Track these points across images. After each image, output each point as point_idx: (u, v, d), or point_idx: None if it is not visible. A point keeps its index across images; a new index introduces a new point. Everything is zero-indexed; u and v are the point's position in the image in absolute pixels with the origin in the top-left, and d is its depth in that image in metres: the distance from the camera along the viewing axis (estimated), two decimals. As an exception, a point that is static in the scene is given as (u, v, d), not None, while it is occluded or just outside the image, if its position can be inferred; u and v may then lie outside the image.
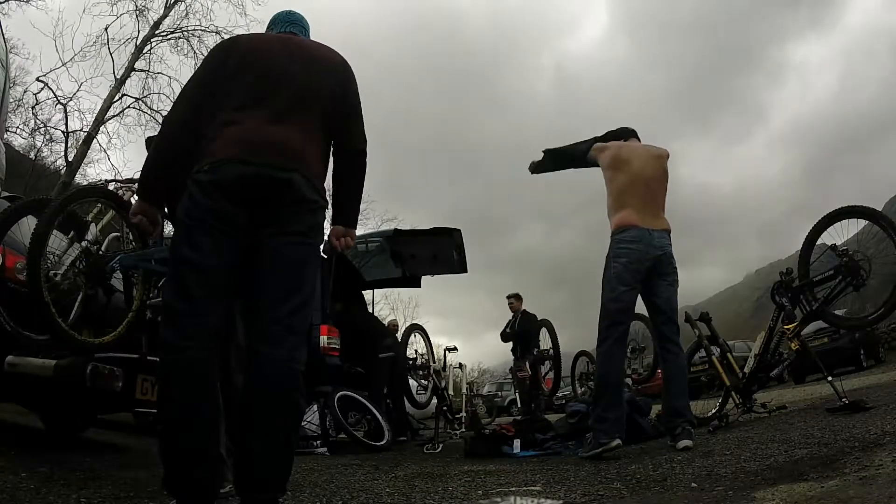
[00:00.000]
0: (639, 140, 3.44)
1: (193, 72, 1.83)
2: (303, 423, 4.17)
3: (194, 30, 12.55)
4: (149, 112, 12.37)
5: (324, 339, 4.75)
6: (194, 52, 12.28)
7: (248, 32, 2.49)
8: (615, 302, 3.08)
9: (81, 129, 12.00)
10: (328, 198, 1.73)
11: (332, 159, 1.80)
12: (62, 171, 12.11)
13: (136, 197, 1.85)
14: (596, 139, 3.46)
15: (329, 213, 1.81)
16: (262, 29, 2.09)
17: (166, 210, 2.01)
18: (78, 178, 11.85)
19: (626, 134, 3.43)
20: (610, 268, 3.13)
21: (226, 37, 11.94)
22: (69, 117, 12.00)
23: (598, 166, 3.34)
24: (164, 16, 12.60)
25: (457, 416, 5.77)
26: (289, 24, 1.99)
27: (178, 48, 12.54)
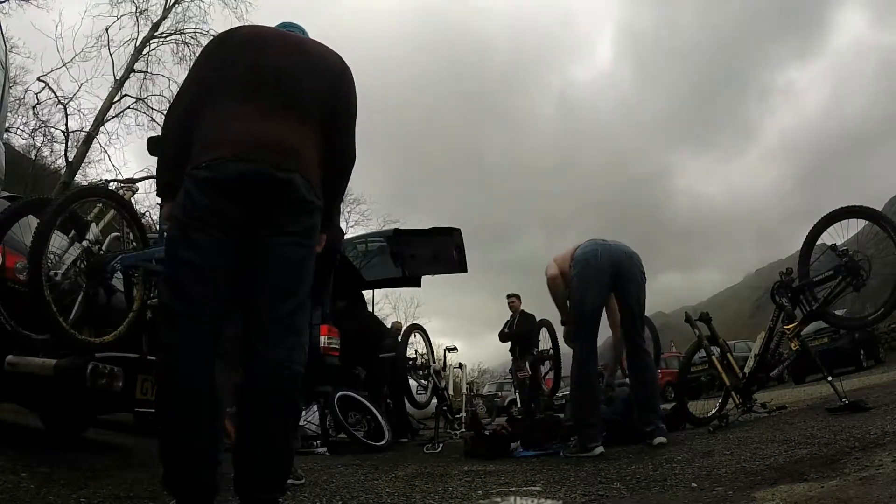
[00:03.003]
0: None
1: (190, 67, 1.82)
2: (303, 423, 4.18)
3: (193, 33, 12.57)
4: (148, 113, 12.39)
5: (324, 339, 4.74)
6: (193, 54, 12.28)
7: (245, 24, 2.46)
8: (582, 301, 3.25)
9: (82, 130, 12.01)
10: None
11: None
12: (62, 171, 12.11)
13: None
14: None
15: None
16: None
17: (157, 205, 2.01)
18: (78, 178, 11.85)
19: None
20: (573, 279, 3.31)
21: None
22: (69, 117, 12.01)
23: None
24: (163, 17, 12.62)
25: (457, 416, 5.77)
26: (286, 27, 2.00)
27: (177, 52, 12.57)
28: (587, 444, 3.01)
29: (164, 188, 1.73)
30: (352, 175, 1.87)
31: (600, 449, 2.99)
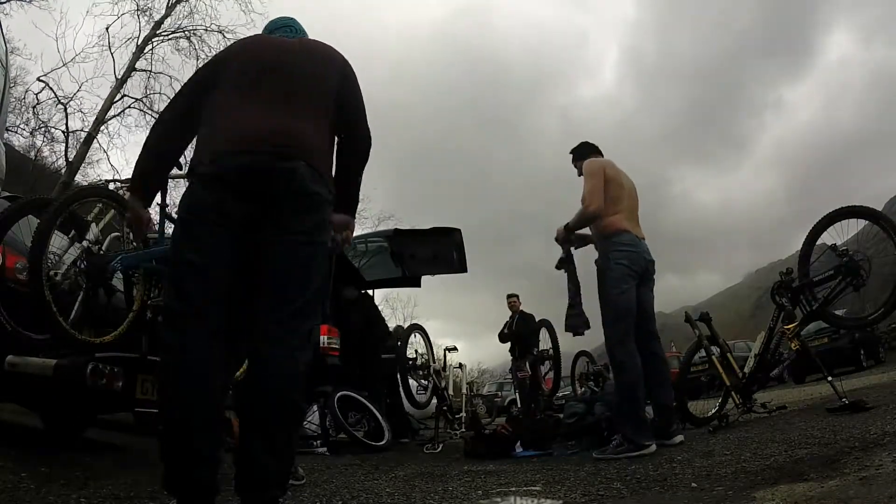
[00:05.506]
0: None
1: (192, 74, 1.84)
2: (303, 423, 4.18)
3: (196, 29, 12.54)
4: (150, 112, 12.37)
5: (324, 338, 4.75)
6: (196, 52, 12.28)
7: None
8: (623, 296, 3.12)
9: (82, 129, 12.01)
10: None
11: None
12: (62, 172, 12.10)
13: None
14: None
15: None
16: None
17: (157, 205, 2.02)
18: (78, 179, 11.84)
19: (597, 150, 3.56)
20: (613, 269, 3.16)
21: (228, 36, 12.02)
22: (70, 117, 12.01)
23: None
24: (166, 15, 12.60)
25: (457, 416, 5.77)
26: (280, 29, 1.99)
27: (180, 48, 12.56)
28: (643, 441, 2.87)
29: (142, 183, 1.75)
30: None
31: (654, 447, 2.89)
